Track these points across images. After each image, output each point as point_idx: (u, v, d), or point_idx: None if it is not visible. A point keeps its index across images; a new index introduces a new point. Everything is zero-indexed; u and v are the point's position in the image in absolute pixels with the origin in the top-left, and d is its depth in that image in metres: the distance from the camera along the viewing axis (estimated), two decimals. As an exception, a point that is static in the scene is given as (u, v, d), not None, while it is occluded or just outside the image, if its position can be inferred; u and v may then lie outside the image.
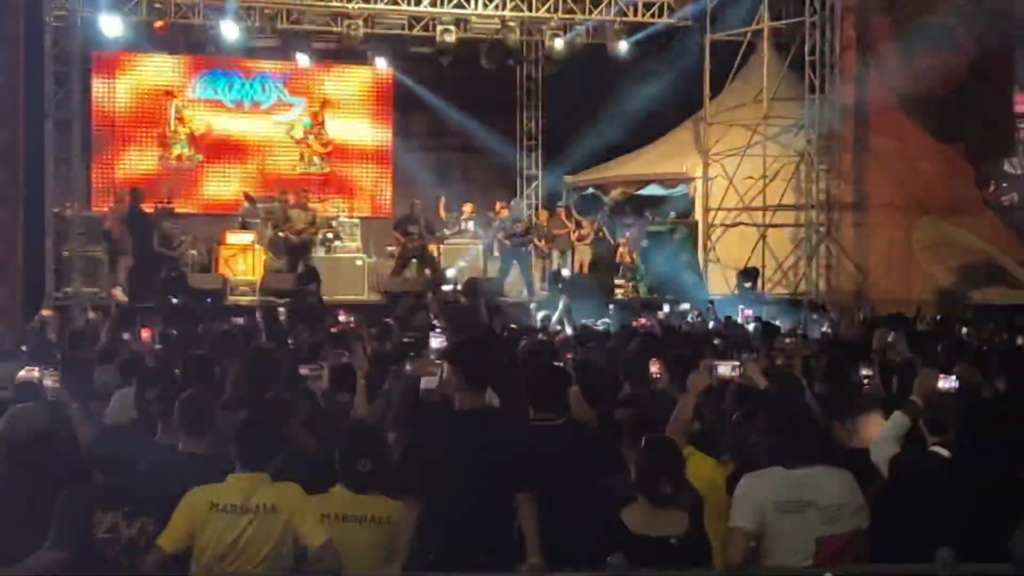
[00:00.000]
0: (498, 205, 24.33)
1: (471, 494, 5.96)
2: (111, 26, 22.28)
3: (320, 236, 22.64)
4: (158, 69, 26.28)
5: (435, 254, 22.94)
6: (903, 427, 6.39)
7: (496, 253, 23.57)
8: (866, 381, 8.62)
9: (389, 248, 23.18)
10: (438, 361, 8.77)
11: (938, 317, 17.39)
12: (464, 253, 23.24)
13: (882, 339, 11.32)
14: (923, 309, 18.12)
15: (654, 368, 8.35)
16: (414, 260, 22.49)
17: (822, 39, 22.41)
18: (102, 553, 5.65)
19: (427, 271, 22.37)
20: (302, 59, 25.66)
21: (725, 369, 7.06)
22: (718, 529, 5.69)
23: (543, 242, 24.29)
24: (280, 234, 22.26)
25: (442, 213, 24.00)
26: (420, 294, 20.68)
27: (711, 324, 16.09)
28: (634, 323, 15.82)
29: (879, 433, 6.49)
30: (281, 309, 17.54)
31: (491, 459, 6.02)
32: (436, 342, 9.61)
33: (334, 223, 23.36)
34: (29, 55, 18.72)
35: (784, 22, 23.52)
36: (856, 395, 7.85)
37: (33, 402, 7.24)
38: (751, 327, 15.08)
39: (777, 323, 15.61)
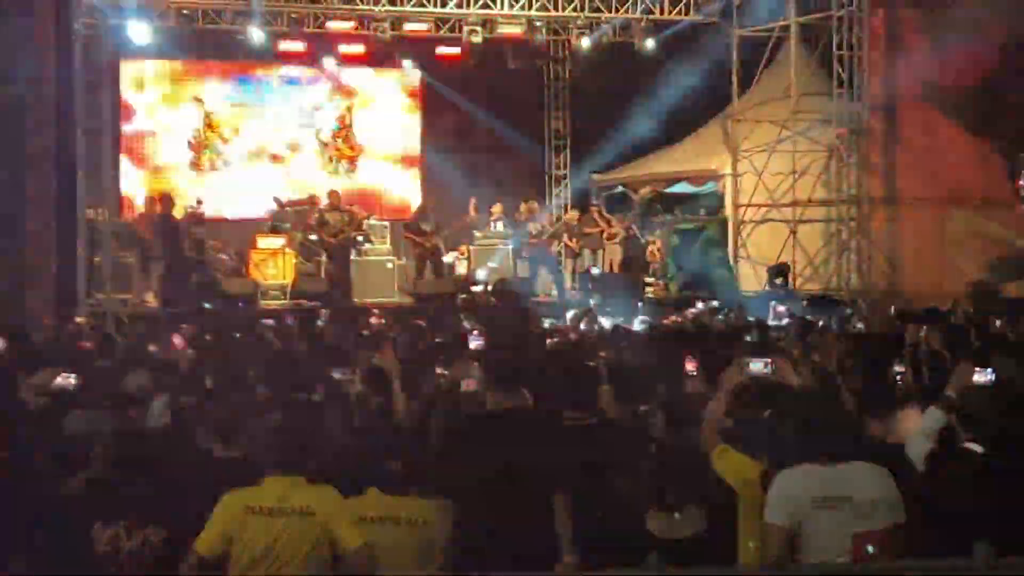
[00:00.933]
0: (523, 206, 24.30)
1: (505, 494, 5.96)
2: (139, 33, 22.34)
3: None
4: (187, 75, 26.43)
5: (451, 261, 23.11)
6: (938, 422, 6.37)
7: (524, 254, 23.56)
8: (899, 376, 8.57)
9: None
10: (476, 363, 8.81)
11: (972, 311, 17.28)
12: (494, 254, 23.24)
13: (915, 334, 11.26)
14: (957, 303, 18.02)
15: (690, 366, 8.33)
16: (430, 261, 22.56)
17: (850, 33, 22.30)
18: (103, 568, 5.66)
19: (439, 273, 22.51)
20: (329, 63, 25.77)
21: (757, 366, 7.02)
22: (753, 526, 5.67)
23: (574, 241, 24.27)
24: (312, 237, 22.35)
25: (472, 214, 24.01)
26: (450, 295, 20.72)
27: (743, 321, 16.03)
28: (665, 321, 15.82)
29: (915, 428, 6.47)
30: (324, 311, 17.64)
31: (524, 459, 6.02)
32: (474, 344, 9.58)
33: (364, 225, 23.40)
34: (59, 64, 18.85)
35: (811, 16, 23.42)
36: (891, 390, 7.81)
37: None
38: (784, 323, 15.03)
39: (809, 319, 15.55)
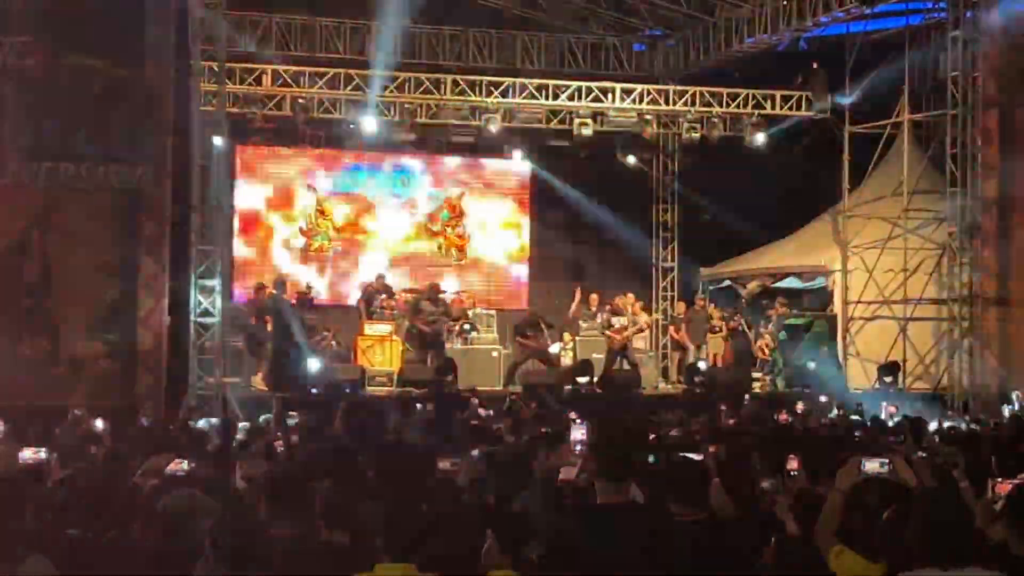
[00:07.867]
0: (617, 299, 23.97)
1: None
2: (255, 119, 22.86)
3: (457, 327, 22.83)
4: (300, 163, 26.87)
5: (557, 351, 23.07)
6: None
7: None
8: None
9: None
10: (578, 451, 8.75)
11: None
12: (598, 346, 23.11)
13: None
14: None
15: (792, 464, 8.23)
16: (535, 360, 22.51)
17: (963, 131, 22.00)
18: None
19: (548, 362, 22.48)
20: (441, 153, 26.14)
21: (873, 465, 6.88)
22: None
23: (680, 334, 24.27)
24: (414, 326, 22.48)
25: (574, 307, 23.90)
26: (553, 386, 20.64)
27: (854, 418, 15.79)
28: (776, 416, 15.67)
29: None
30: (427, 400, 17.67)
31: (633, 555, 5.93)
32: (577, 434, 9.52)
33: (471, 314, 23.53)
34: (177, 150, 19.21)
35: (924, 114, 23.25)
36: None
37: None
38: (895, 422, 14.77)
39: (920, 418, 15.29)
